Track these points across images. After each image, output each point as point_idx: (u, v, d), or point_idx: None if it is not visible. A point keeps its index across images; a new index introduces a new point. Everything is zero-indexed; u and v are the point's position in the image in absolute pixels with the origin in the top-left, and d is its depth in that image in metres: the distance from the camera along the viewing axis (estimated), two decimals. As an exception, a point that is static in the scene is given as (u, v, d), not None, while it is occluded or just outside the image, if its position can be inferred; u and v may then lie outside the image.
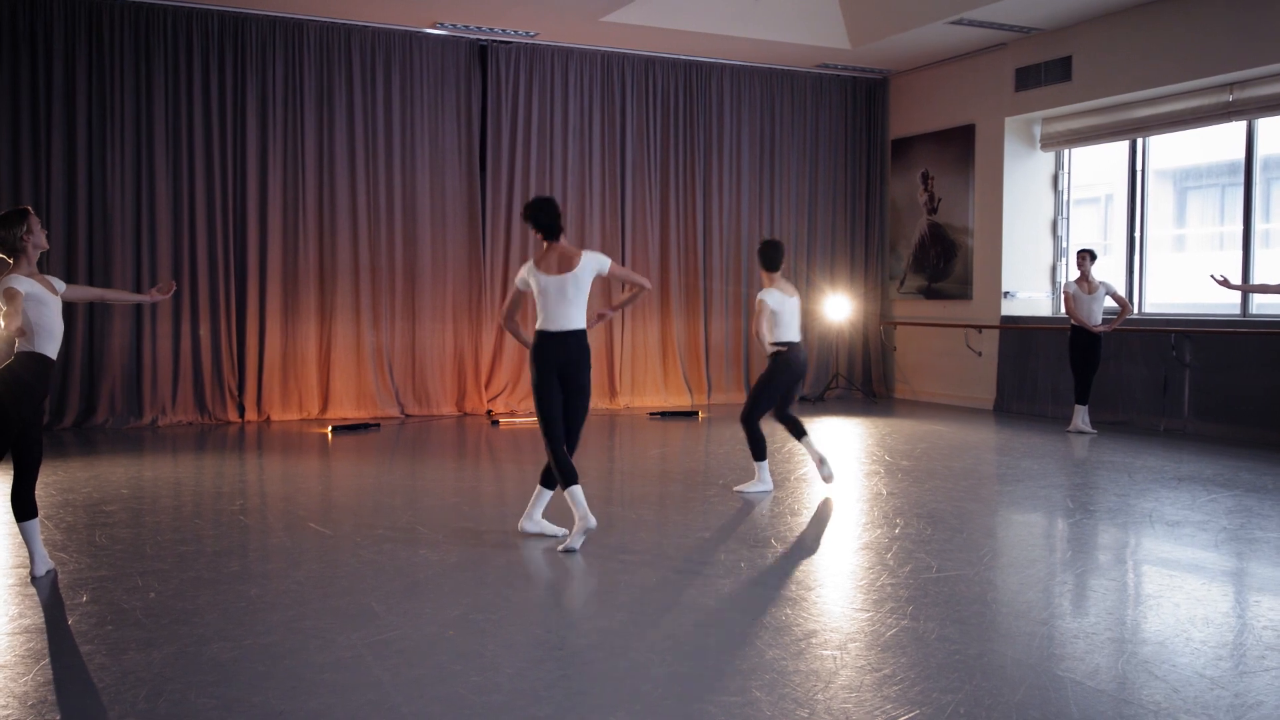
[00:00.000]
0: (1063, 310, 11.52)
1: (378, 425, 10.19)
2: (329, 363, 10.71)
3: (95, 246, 9.86)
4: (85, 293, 5.68)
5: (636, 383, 11.99)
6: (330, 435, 9.58)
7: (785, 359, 6.79)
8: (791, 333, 6.83)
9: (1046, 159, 11.72)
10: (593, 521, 5.29)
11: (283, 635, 4.03)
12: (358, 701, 3.40)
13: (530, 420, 10.68)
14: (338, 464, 8.22)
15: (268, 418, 10.45)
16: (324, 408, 10.68)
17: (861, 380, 13.15)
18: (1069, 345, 9.80)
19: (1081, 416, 9.69)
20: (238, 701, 3.40)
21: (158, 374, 10.09)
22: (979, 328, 11.73)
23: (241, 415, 10.38)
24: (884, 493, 6.89)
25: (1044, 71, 10.98)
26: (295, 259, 10.55)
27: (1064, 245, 11.69)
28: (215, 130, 10.22)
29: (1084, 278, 9.63)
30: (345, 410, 10.70)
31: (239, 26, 10.22)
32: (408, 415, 10.89)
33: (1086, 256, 9.67)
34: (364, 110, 10.74)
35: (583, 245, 11.67)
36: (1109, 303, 9.80)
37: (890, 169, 13.13)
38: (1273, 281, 7.94)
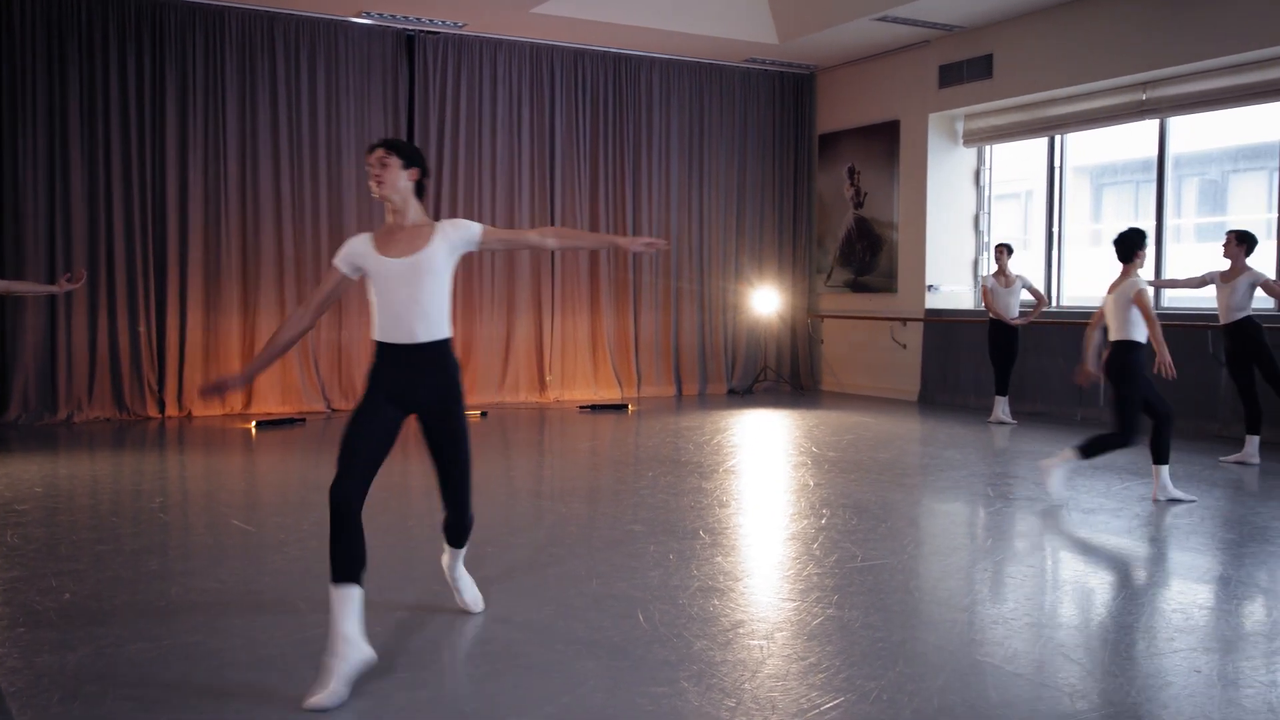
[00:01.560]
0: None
1: (303, 420, 10.04)
2: (252, 356, 10.50)
3: (6, 238, 9.54)
4: None
5: (567, 376, 11.98)
6: (254, 431, 9.41)
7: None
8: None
9: (969, 155, 11.95)
10: (366, 653, 3.44)
11: (205, 635, 3.96)
12: (281, 701, 3.35)
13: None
14: (262, 460, 8.09)
15: (189, 413, 10.23)
16: (248, 403, 10.49)
17: (789, 373, 13.29)
18: (987, 338, 10.03)
19: (1002, 407, 9.91)
20: (157, 703, 3.33)
21: (73, 368, 9.80)
22: (904, 321, 11.92)
23: (162, 411, 10.15)
24: (811, 484, 6.98)
25: (966, 69, 11.19)
26: (217, 251, 10.33)
27: (986, 240, 11.94)
28: (133, 119, 9.95)
29: (1001, 271, 9.86)
30: (269, 405, 10.52)
31: (157, 13, 9.96)
32: (334, 410, 10.74)
33: (1004, 251, 9.90)
34: (288, 100, 10.54)
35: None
36: (1026, 296, 10.03)
37: (817, 164, 13.28)
38: (1182, 277, 8.20)
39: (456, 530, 4.15)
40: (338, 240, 10.75)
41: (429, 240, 3.75)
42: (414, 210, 3.80)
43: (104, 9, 9.76)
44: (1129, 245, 6.48)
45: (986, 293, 9.90)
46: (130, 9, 9.86)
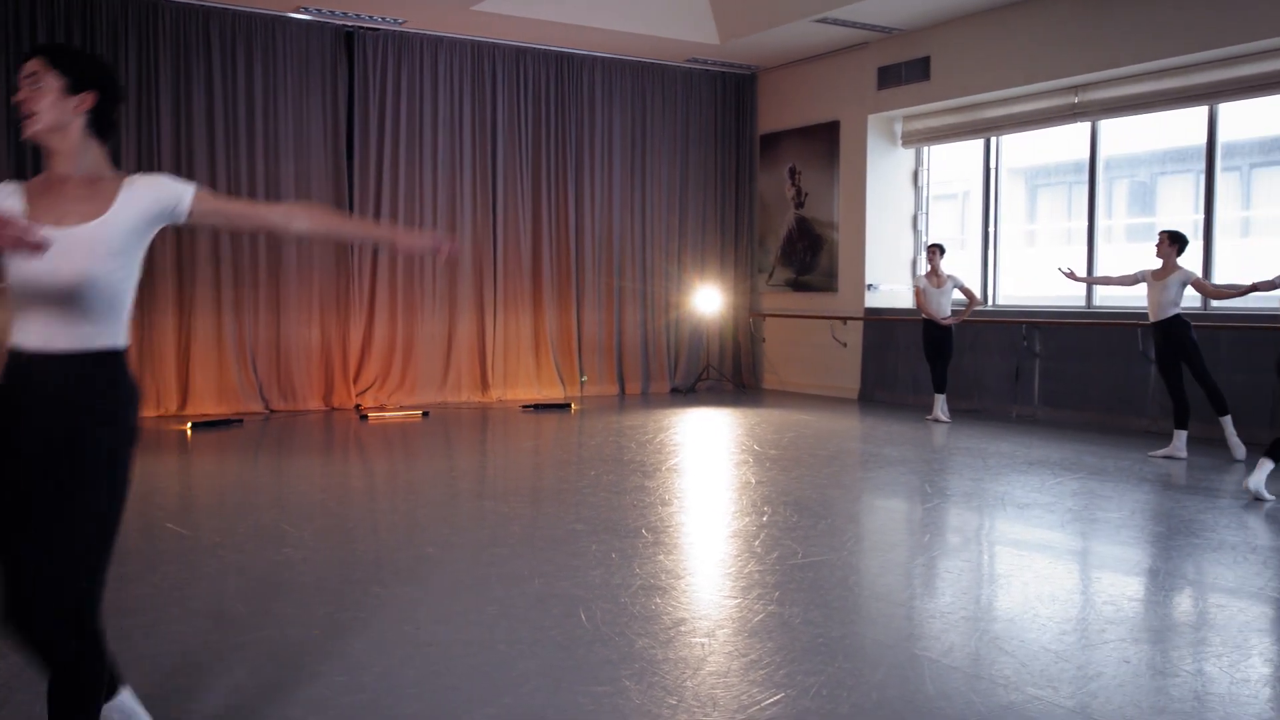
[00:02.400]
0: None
1: (240, 421, 9.89)
2: (188, 357, 10.31)
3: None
4: None
5: (509, 375, 11.93)
6: (189, 432, 9.24)
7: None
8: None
9: (907, 156, 12.12)
10: None
11: (138, 641, 3.88)
12: (217, 706, 3.30)
13: (400, 415, 10.53)
14: (198, 462, 7.95)
15: (122, 415, 9.99)
16: (183, 404, 10.30)
17: (731, 371, 13.37)
18: (921, 337, 10.18)
19: (940, 405, 10.06)
20: (89, 711, 3.26)
21: (1, 370, 9.54)
22: (844, 319, 12.05)
23: (93, 413, 9.90)
24: (752, 481, 7.03)
25: (904, 71, 11.34)
26: (150, 249, 10.10)
27: (924, 240, 12.11)
28: (62, 114, 9.70)
29: (934, 272, 10.00)
30: (205, 406, 10.33)
31: (87, 7, 9.73)
32: (272, 410, 10.59)
33: (935, 251, 10.05)
34: (224, 97, 10.36)
35: (453, 237, 11.53)
36: (959, 295, 10.18)
37: (759, 163, 13.37)
38: (1115, 274, 8.39)
39: (66, 691, 2.48)
40: (275, 239, 10.59)
41: (110, 202, 2.54)
42: (90, 158, 2.58)
43: (31, 2, 9.51)
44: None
45: (919, 293, 10.06)
46: (60, 2, 9.62)
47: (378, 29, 10.97)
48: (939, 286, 9.97)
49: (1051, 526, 5.79)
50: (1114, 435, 9.06)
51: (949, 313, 10.00)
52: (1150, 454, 7.98)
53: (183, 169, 10.18)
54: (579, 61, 12.22)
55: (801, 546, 5.27)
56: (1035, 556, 5.19)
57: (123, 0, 9.85)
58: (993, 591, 4.70)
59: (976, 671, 3.60)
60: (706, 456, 8.23)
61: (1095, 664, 3.68)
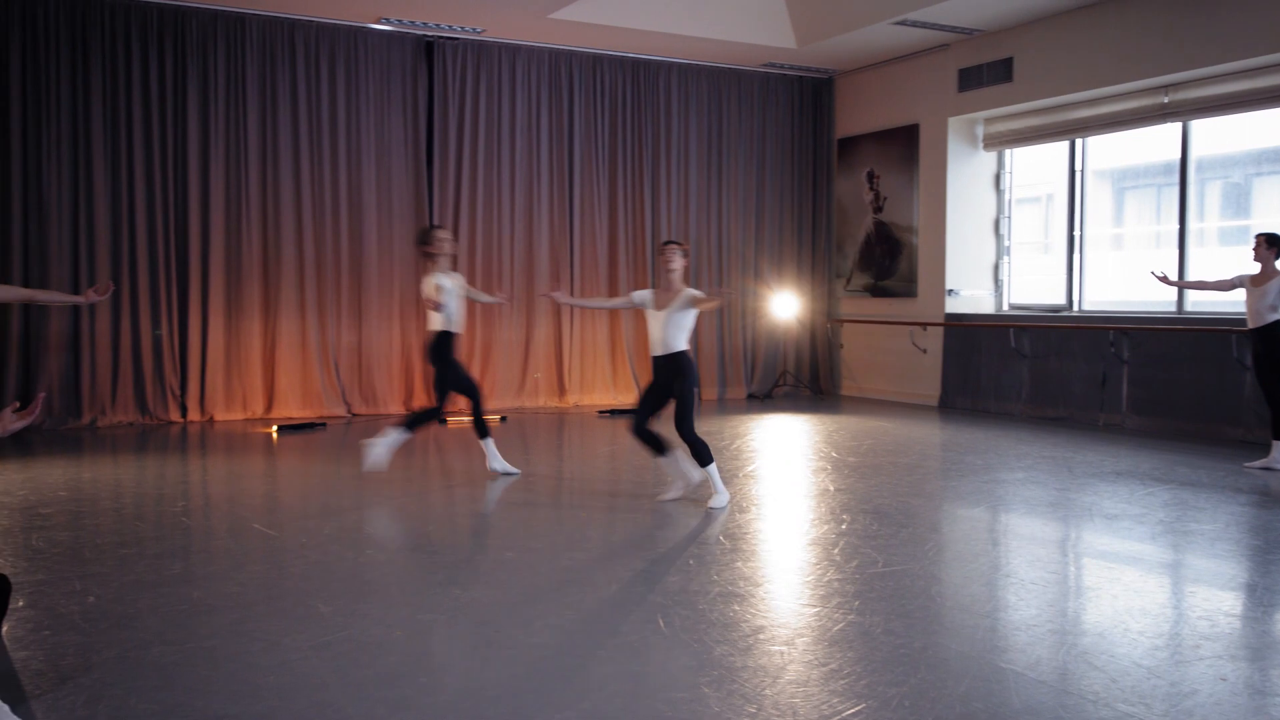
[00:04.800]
0: (1005, 306, 11.73)
1: (323, 425, 10.08)
2: (274, 361, 10.57)
3: (30, 245, 9.62)
4: (13, 293, 5.57)
5: (585, 381, 11.98)
6: (275, 435, 9.45)
7: None
8: None
9: (989, 159, 11.90)
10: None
11: (226, 638, 3.97)
12: (303, 704, 3.36)
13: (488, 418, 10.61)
14: (283, 464, 8.12)
15: (211, 418, 10.28)
16: (269, 407, 10.54)
17: (808, 377, 13.25)
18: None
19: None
20: (179, 706, 3.34)
21: (96, 373, 9.88)
22: (924, 325, 11.87)
23: (184, 415, 10.21)
24: (831, 489, 6.95)
25: (986, 72, 11.14)
26: (239, 255, 10.39)
27: (1006, 244, 11.88)
28: (155, 125, 10.03)
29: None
30: (290, 409, 10.56)
31: (179, 20, 10.04)
32: (354, 414, 10.78)
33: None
34: (308, 105, 10.60)
35: (530, 243, 11.64)
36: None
37: (836, 168, 13.24)
38: (1210, 278, 8.12)
39: None
40: (358, 244, 10.83)
41: None
42: None
43: (126, 15, 9.84)
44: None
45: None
46: (153, 15, 9.94)
47: (457, 38, 11.12)
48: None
49: (1142, 539, 5.62)
50: (1207, 445, 8.77)
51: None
52: (1246, 465, 7.71)
53: (268, 177, 10.45)
54: (655, 68, 12.23)
55: (882, 555, 5.19)
56: (1125, 569, 5.04)
57: (212, 14, 10.13)
58: (1080, 604, 4.57)
59: (1065, 686, 3.51)
60: (784, 463, 8.17)
61: (1189, 681, 3.56)
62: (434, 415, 7.37)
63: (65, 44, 9.64)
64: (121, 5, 9.81)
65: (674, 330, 6.29)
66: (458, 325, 7.17)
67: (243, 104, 10.32)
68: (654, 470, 7.79)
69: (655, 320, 6.38)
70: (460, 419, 10.51)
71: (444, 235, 7.21)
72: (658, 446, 6.37)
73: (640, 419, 6.33)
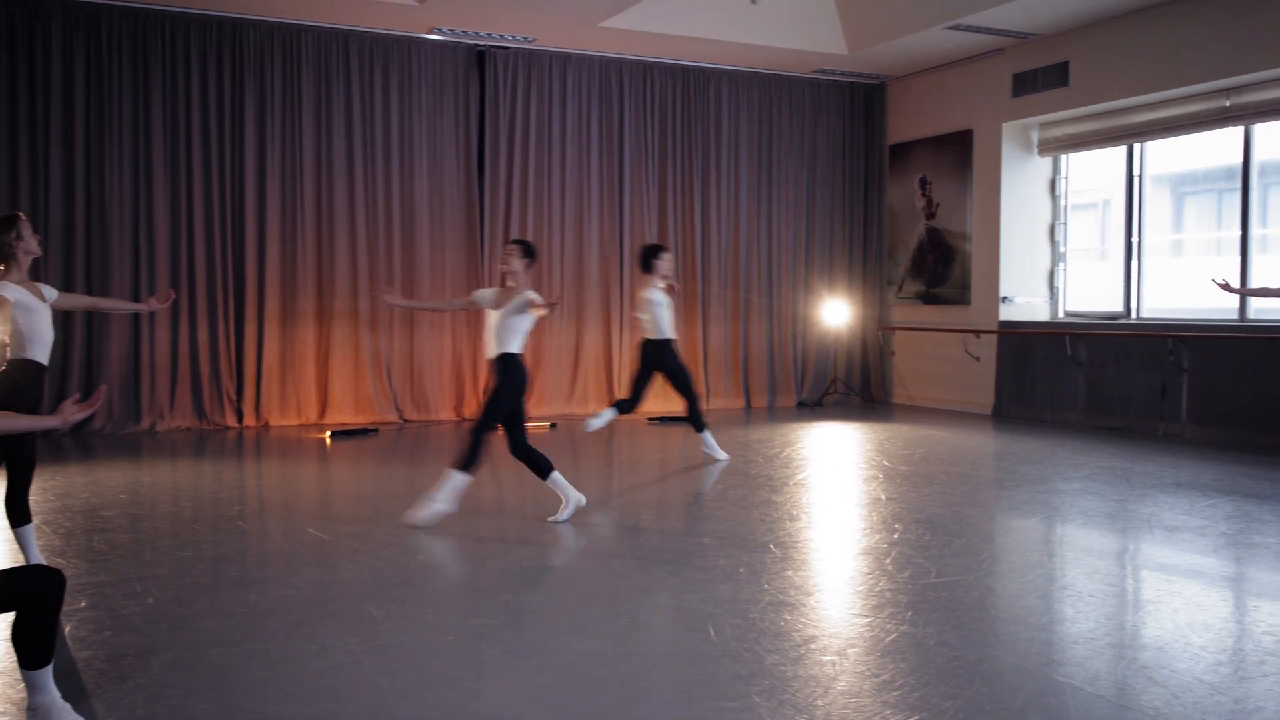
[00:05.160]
0: (1060, 313, 11.55)
1: (376, 430, 10.19)
2: (327, 367, 10.70)
3: (93, 253, 9.85)
4: (78, 301, 5.70)
5: (635, 388, 11.97)
6: (329, 440, 9.57)
7: None
8: None
9: (1044, 164, 11.74)
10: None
11: (281, 641, 4.02)
12: (356, 707, 3.39)
13: (533, 425, 10.66)
14: (336, 469, 8.22)
15: (266, 423, 10.43)
16: (322, 413, 10.67)
17: (859, 385, 13.15)
18: None
19: None
20: (236, 707, 3.39)
21: (155, 379, 10.07)
22: (977, 333, 11.73)
23: (240, 420, 10.37)
24: (883, 498, 6.89)
25: (1041, 77, 11.00)
26: (293, 263, 10.55)
27: (1062, 250, 11.70)
28: (213, 136, 10.22)
29: None
30: (343, 415, 10.69)
31: (237, 32, 10.23)
32: (406, 420, 10.89)
33: None
34: (362, 115, 10.74)
35: (580, 251, 11.69)
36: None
37: (888, 174, 13.14)
38: (1274, 285, 7.93)
39: None
40: (410, 252, 10.94)
41: None
42: None
43: (186, 29, 10.05)
44: None
45: None
46: (212, 29, 10.13)
47: (508, 47, 11.21)
48: None
49: (1203, 551, 5.50)
50: (1270, 456, 8.57)
51: None
52: (1311, 476, 7.52)
53: (323, 186, 10.60)
54: (705, 75, 12.23)
55: (935, 565, 5.13)
56: (1186, 582, 4.93)
57: (269, 27, 10.31)
58: (1139, 618, 4.48)
59: (1124, 701, 3.44)
60: (834, 471, 8.11)
61: (1254, 698, 3.47)
62: (696, 410, 8.29)
63: (128, 59, 9.86)
64: (181, 19, 10.02)
65: (506, 332, 6.06)
66: (670, 332, 8.17)
67: (298, 115, 10.49)
68: (703, 480, 7.78)
69: (490, 320, 6.18)
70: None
71: (667, 256, 8.23)
72: (537, 467, 6.18)
73: (512, 439, 6.17)
